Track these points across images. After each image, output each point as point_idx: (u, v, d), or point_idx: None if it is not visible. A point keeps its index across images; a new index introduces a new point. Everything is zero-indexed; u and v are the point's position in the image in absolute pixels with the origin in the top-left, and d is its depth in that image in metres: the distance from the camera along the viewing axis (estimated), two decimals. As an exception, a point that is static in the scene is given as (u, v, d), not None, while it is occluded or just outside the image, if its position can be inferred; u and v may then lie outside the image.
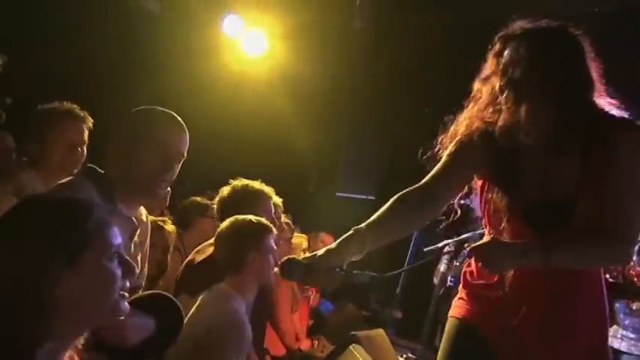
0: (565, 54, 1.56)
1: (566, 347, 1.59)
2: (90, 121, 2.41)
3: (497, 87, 1.61)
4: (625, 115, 1.57)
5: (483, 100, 1.66)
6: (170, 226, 2.72)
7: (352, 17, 4.48)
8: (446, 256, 2.99)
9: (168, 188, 3.05)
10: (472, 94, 1.71)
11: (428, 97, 4.78)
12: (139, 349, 1.48)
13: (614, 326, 2.85)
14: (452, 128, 1.72)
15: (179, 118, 1.82)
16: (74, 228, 1.00)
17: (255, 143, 5.09)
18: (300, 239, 3.94)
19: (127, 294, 1.09)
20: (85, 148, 2.39)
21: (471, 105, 1.71)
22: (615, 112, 1.57)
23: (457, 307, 1.76)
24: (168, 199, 3.16)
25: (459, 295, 1.78)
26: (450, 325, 1.76)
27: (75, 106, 2.40)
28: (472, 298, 1.73)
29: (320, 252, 1.57)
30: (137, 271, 1.12)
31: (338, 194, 6.28)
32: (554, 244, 1.46)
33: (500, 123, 1.60)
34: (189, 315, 2.06)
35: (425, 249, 3.11)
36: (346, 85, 5.11)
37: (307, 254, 1.68)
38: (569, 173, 1.54)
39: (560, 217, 1.54)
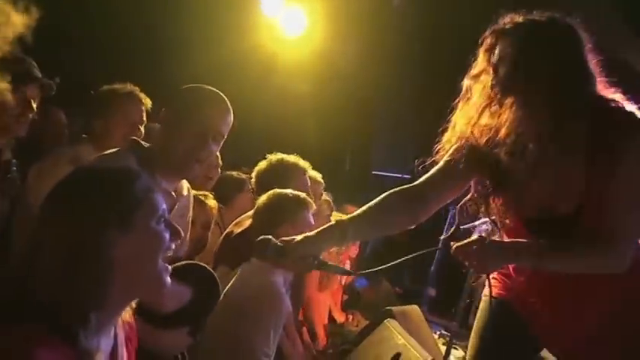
0: (558, 48, 1.44)
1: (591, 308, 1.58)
2: (148, 103, 2.51)
3: (488, 86, 1.50)
4: (632, 110, 1.46)
5: (476, 102, 1.54)
6: (212, 201, 2.71)
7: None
8: (483, 234, 2.94)
9: (220, 161, 3.07)
10: (463, 93, 1.59)
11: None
12: (175, 315, 1.52)
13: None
14: (449, 130, 1.62)
15: (224, 98, 1.82)
16: (123, 192, 1.04)
17: (292, 121, 5.12)
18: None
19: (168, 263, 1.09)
20: (143, 128, 2.50)
21: (462, 105, 1.59)
22: (621, 106, 1.45)
23: (491, 287, 1.75)
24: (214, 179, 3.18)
25: (491, 275, 1.77)
26: (484, 303, 1.76)
27: (136, 88, 2.51)
28: (504, 278, 1.73)
29: (298, 238, 1.52)
30: (182, 235, 1.15)
31: (374, 172, 6.27)
32: (546, 252, 1.42)
33: (494, 132, 1.48)
34: (228, 285, 2.12)
35: (461, 227, 3.07)
36: (383, 62, 5.06)
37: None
38: (573, 184, 1.46)
39: (564, 229, 1.48)
